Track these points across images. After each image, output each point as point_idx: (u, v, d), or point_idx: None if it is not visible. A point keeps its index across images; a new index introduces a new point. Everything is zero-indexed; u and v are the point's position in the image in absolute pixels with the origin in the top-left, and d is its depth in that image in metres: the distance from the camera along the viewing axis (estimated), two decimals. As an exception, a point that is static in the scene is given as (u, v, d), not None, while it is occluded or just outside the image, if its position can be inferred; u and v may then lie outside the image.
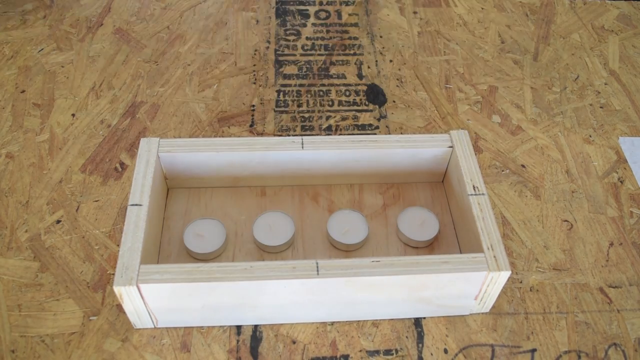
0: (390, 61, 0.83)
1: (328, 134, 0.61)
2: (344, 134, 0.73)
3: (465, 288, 0.54)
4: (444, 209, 0.65)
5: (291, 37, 0.86)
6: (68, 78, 0.78)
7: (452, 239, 0.63)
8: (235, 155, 0.61)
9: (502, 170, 0.71)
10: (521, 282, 0.61)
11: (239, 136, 0.72)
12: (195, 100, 0.76)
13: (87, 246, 0.62)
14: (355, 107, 0.77)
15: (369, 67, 0.82)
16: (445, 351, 0.56)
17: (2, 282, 0.59)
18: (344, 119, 0.75)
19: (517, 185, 0.69)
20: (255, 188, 0.66)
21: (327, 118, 0.75)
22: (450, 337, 0.57)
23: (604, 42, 0.88)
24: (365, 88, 0.79)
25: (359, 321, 0.57)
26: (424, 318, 0.58)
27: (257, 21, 0.88)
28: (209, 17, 0.88)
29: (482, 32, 0.88)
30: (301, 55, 0.83)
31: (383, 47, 0.85)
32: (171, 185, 0.65)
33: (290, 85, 0.79)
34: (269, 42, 0.85)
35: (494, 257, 0.53)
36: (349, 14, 0.90)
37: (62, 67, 0.80)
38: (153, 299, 0.52)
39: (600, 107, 0.79)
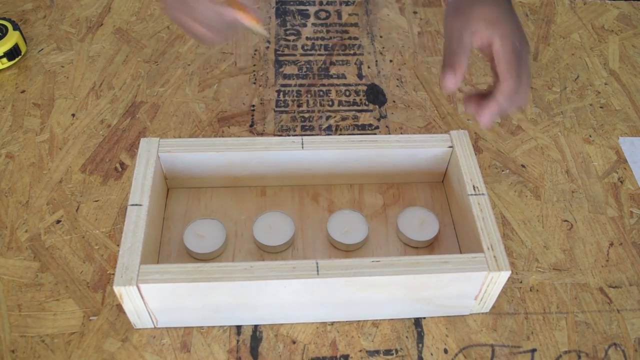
0: (390, 61, 0.83)
1: (328, 134, 0.61)
2: (344, 134, 0.73)
3: (465, 288, 0.54)
4: (444, 209, 0.65)
5: (291, 37, 0.86)
6: (68, 78, 0.78)
7: (452, 239, 0.63)
8: (235, 155, 0.61)
9: (502, 170, 0.71)
10: (521, 282, 0.61)
11: (239, 136, 0.72)
12: (195, 100, 0.76)
13: (87, 246, 0.62)
14: (355, 107, 0.77)
15: (369, 67, 0.82)
16: (445, 351, 0.56)
17: (2, 282, 0.59)
18: (344, 119, 0.75)
19: (517, 185, 0.69)
20: (255, 188, 0.66)
21: (327, 118, 0.75)
22: (450, 337, 0.57)
23: (604, 42, 0.88)
24: (365, 88, 0.79)
25: (359, 321, 0.57)
26: (424, 318, 0.58)
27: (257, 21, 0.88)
28: (209, 17, 0.88)
29: (482, 32, 0.88)
30: (301, 55, 0.83)
31: (383, 47, 0.85)
32: (171, 185, 0.65)
33: (290, 85, 0.79)
34: (269, 42, 0.85)
35: (494, 257, 0.53)
36: (349, 14, 0.90)
37: (62, 67, 0.80)
38: (153, 299, 0.52)
39: (600, 107, 0.79)
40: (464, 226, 0.60)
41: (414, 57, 0.84)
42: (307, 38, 0.86)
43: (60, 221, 0.63)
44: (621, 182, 0.70)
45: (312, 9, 0.91)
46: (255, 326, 0.57)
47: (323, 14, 0.90)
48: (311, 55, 0.84)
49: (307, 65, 0.82)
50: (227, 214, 0.64)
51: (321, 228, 0.63)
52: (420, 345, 0.56)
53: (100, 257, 0.61)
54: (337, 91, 0.79)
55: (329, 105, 0.77)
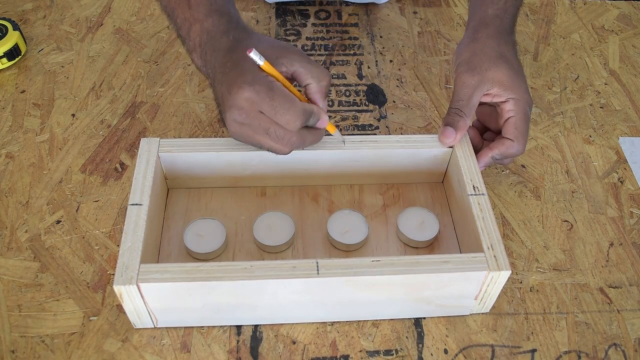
0: (390, 61, 0.83)
1: (328, 134, 0.61)
2: (344, 134, 0.73)
3: (466, 288, 0.54)
4: (444, 209, 0.65)
5: (291, 37, 0.86)
6: (68, 78, 0.78)
7: (452, 239, 0.63)
8: (235, 155, 0.61)
9: (502, 171, 0.71)
10: (521, 282, 0.61)
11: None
12: (195, 100, 0.76)
13: (87, 246, 0.62)
14: (355, 107, 0.77)
15: (369, 67, 0.82)
16: (445, 351, 0.56)
17: (2, 282, 0.59)
18: (344, 119, 0.75)
19: (517, 186, 0.69)
20: (255, 188, 0.66)
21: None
22: (450, 337, 0.57)
23: (604, 42, 0.88)
24: (365, 88, 0.79)
25: (359, 321, 0.57)
26: (424, 318, 0.58)
27: (257, 21, 0.88)
28: (209, 17, 0.88)
29: (482, 32, 0.88)
30: (301, 55, 0.83)
31: (383, 47, 0.85)
32: (171, 185, 0.65)
33: (290, 85, 0.79)
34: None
35: (494, 256, 0.53)
36: (349, 14, 0.90)
37: (62, 67, 0.80)
38: (153, 299, 0.52)
39: (600, 107, 0.79)
40: (464, 226, 0.60)
41: (414, 57, 0.84)
42: (307, 38, 0.86)
43: (60, 221, 0.63)
44: (621, 182, 0.70)
45: (312, 9, 0.91)
46: (255, 326, 0.57)
47: (323, 14, 0.90)
48: (311, 55, 0.84)
49: (307, 66, 0.82)
50: (227, 214, 0.64)
51: (321, 228, 0.63)
52: (420, 345, 0.56)
53: (100, 257, 0.61)
54: (337, 91, 0.79)
55: (329, 105, 0.77)
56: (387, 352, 0.55)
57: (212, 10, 0.59)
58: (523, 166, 0.71)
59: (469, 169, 0.60)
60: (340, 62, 0.83)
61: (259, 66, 0.54)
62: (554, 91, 0.80)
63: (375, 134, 0.74)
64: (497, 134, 0.65)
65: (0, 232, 0.62)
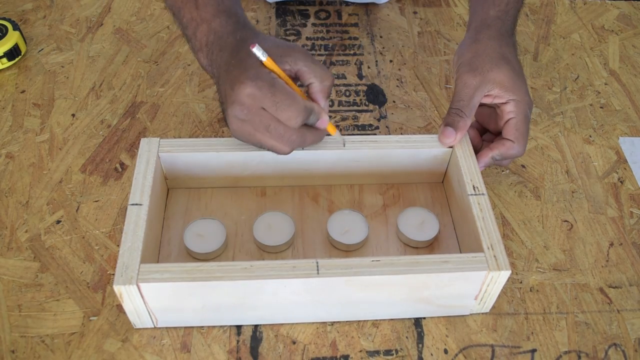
0: (390, 61, 0.83)
1: (328, 134, 0.61)
2: (344, 134, 0.73)
3: (466, 288, 0.54)
4: (444, 209, 0.65)
5: (291, 37, 0.86)
6: (68, 78, 0.78)
7: (452, 239, 0.63)
8: (235, 155, 0.61)
9: (502, 171, 0.71)
10: (521, 282, 0.61)
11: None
12: (195, 100, 0.76)
13: (87, 246, 0.62)
14: (355, 107, 0.77)
15: (369, 67, 0.82)
16: (445, 351, 0.56)
17: (2, 282, 0.59)
18: (344, 119, 0.75)
19: (517, 186, 0.69)
20: (255, 188, 0.66)
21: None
22: (450, 337, 0.57)
23: (604, 42, 0.88)
24: (365, 88, 0.79)
25: (359, 321, 0.57)
26: (424, 318, 0.58)
27: (257, 21, 0.88)
28: (209, 17, 0.88)
29: (482, 32, 0.88)
30: (301, 55, 0.83)
31: (383, 47, 0.85)
32: (171, 185, 0.65)
33: (290, 86, 0.79)
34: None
35: (494, 256, 0.53)
36: (349, 14, 0.90)
37: (62, 67, 0.80)
38: (153, 299, 0.52)
39: (600, 107, 0.79)
40: (464, 226, 0.60)
41: (414, 57, 0.84)
42: (307, 38, 0.86)
43: (60, 221, 0.63)
44: (621, 182, 0.70)
45: (312, 9, 0.91)
46: (255, 326, 0.57)
47: (323, 14, 0.90)
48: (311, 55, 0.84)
49: (307, 66, 0.82)
50: (227, 214, 0.64)
51: (321, 228, 0.63)
52: (420, 345, 0.56)
53: (100, 257, 0.61)
54: (337, 91, 0.79)
55: (329, 105, 0.77)
56: (387, 352, 0.55)
57: (220, 11, 0.59)
58: (523, 166, 0.71)
59: (469, 169, 0.60)
60: (340, 62, 0.83)
61: (261, 62, 0.54)
62: (554, 91, 0.80)
63: (375, 134, 0.74)
64: (496, 135, 0.65)
65: (0, 232, 0.62)
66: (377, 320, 0.57)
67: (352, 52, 0.84)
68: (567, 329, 0.58)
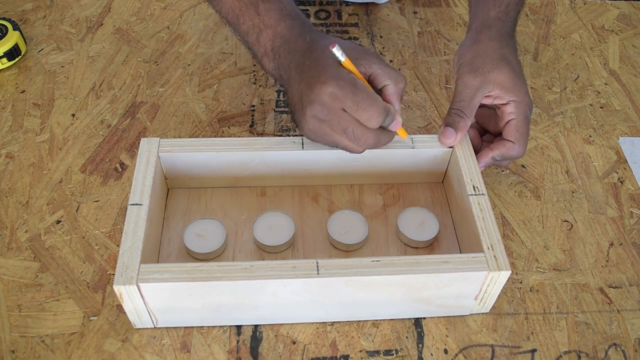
0: (391, 61, 0.83)
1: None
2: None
3: (465, 288, 0.54)
4: (444, 209, 0.65)
5: (291, 37, 0.86)
6: (68, 78, 0.78)
7: (452, 239, 0.63)
8: (235, 155, 0.61)
9: (502, 171, 0.71)
10: (521, 282, 0.61)
11: (239, 136, 0.72)
12: (195, 100, 0.76)
13: (87, 246, 0.62)
14: (355, 107, 0.77)
15: (369, 67, 0.82)
16: (445, 351, 0.56)
17: (2, 282, 0.59)
18: (344, 119, 0.75)
19: (517, 186, 0.69)
20: (255, 188, 0.66)
21: (327, 118, 0.75)
22: (450, 337, 0.57)
23: (604, 42, 0.88)
24: (365, 88, 0.79)
25: (359, 321, 0.57)
26: (424, 318, 0.58)
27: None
28: (209, 17, 0.88)
29: (482, 32, 0.88)
30: (301, 55, 0.83)
31: (383, 47, 0.85)
32: (171, 185, 0.65)
33: (290, 85, 0.79)
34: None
35: (494, 256, 0.53)
36: (349, 14, 0.90)
37: (62, 67, 0.80)
38: (153, 299, 0.52)
39: (600, 107, 0.79)
40: (464, 226, 0.60)
41: (414, 57, 0.84)
42: (307, 38, 0.86)
43: (60, 221, 0.63)
44: (621, 182, 0.70)
45: (312, 9, 0.91)
46: (255, 326, 0.57)
47: (323, 14, 0.90)
48: (311, 55, 0.84)
49: (307, 65, 0.82)
50: (227, 214, 0.64)
51: (321, 228, 0.63)
52: (420, 345, 0.56)
53: (100, 257, 0.61)
54: (337, 91, 0.79)
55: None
56: (387, 352, 0.55)
57: (284, 15, 0.59)
58: (523, 166, 0.71)
59: (469, 169, 0.60)
60: (340, 62, 0.83)
61: (340, 63, 0.54)
62: (554, 91, 0.80)
63: (375, 134, 0.74)
64: (496, 136, 0.65)
65: (0, 232, 0.62)
66: (377, 320, 0.57)
67: (352, 52, 0.84)
68: (567, 329, 0.58)
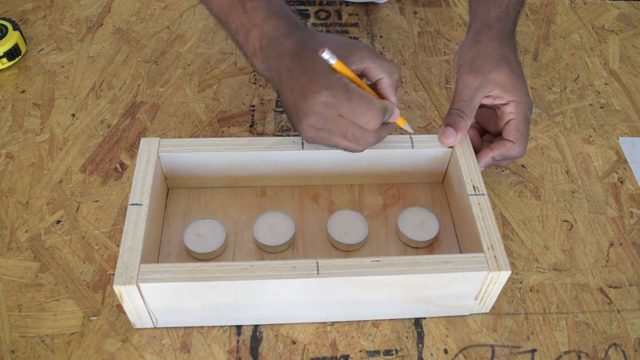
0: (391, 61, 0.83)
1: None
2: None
3: (465, 288, 0.54)
4: (444, 209, 0.65)
5: (291, 37, 0.86)
6: (68, 78, 0.78)
7: (452, 239, 0.63)
8: (235, 155, 0.61)
9: (502, 171, 0.71)
10: (521, 282, 0.61)
11: (239, 136, 0.72)
12: (195, 100, 0.76)
13: (87, 246, 0.62)
14: (355, 107, 0.77)
15: (369, 67, 0.82)
16: (445, 351, 0.56)
17: (2, 282, 0.59)
18: (344, 119, 0.75)
19: (517, 186, 0.69)
20: (255, 188, 0.66)
21: (327, 118, 0.75)
22: (450, 337, 0.57)
23: (604, 42, 0.88)
24: (365, 88, 0.79)
25: (359, 321, 0.57)
26: (424, 318, 0.58)
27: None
28: (209, 17, 0.88)
29: (482, 32, 0.88)
30: (301, 55, 0.83)
31: (383, 47, 0.85)
32: (171, 185, 0.65)
33: (290, 85, 0.79)
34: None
35: (494, 256, 0.53)
36: (349, 14, 0.90)
37: (62, 67, 0.80)
38: (153, 299, 0.52)
39: (600, 107, 0.79)
40: (464, 226, 0.60)
41: (414, 57, 0.84)
42: (307, 38, 0.86)
43: (60, 221, 0.63)
44: (621, 182, 0.70)
45: (312, 9, 0.91)
46: (255, 326, 0.57)
47: (323, 14, 0.90)
48: (311, 55, 0.84)
49: (307, 65, 0.82)
50: (227, 214, 0.64)
51: (321, 228, 0.63)
52: (420, 345, 0.56)
53: (100, 257, 0.61)
54: (337, 91, 0.79)
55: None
56: (387, 352, 0.55)
57: (271, 14, 0.58)
58: (523, 166, 0.71)
59: (469, 169, 0.60)
60: (340, 62, 0.83)
61: (331, 67, 0.53)
62: (554, 91, 0.80)
63: (375, 134, 0.74)
64: (496, 136, 0.65)
65: (0, 232, 0.62)
66: (377, 320, 0.57)
67: (352, 52, 0.84)
68: (567, 329, 0.58)
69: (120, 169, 0.68)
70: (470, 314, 0.58)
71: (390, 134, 0.61)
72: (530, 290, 0.60)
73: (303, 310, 0.55)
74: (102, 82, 0.78)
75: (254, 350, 0.55)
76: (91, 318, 0.56)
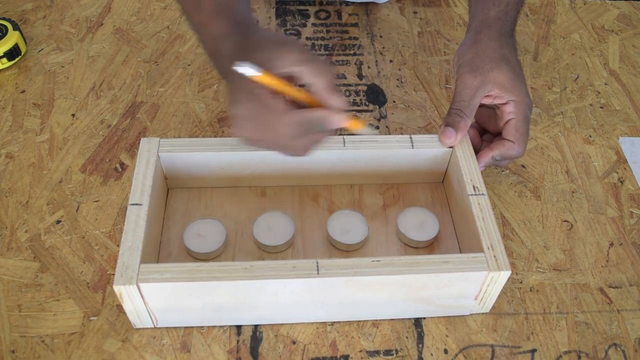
0: (390, 61, 0.83)
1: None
2: (344, 134, 0.73)
3: (465, 288, 0.54)
4: (444, 209, 0.65)
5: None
6: (68, 78, 0.78)
7: (452, 239, 0.63)
8: (235, 155, 0.61)
9: (502, 171, 0.71)
10: (521, 282, 0.61)
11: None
12: (195, 100, 0.76)
13: (87, 246, 0.62)
14: (355, 107, 0.77)
15: (369, 67, 0.82)
16: (445, 351, 0.56)
17: (2, 282, 0.59)
18: (344, 119, 0.75)
19: (517, 186, 0.69)
20: (255, 188, 0.66)
21: (327, 118, 0.75)
22: (450, 337, 0.57)
23: (604, 42, 0.88)
24: (365, 88, 0.79)
25: (359, 321, 0.57)
26: (424, 318, 0.58)
27: (257, 21, 0.88)
28: (209, 17, 0.88)
29: (482, 32, 0.88)
30: (301, 55, 0.83)
31: (383, 47, 0.85)
32: (171, 185, 0.65)
33: (290, 85, 0.79)
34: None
35: (494, 256, 0.53)
36: (349, 14, 0.90)
37: (62, 67, 0.80)
38: (153, 299, 0.52)
39: (600, 107, 0.79)
40: (464, 226, 0.60)
41: (414, 57, 0.84)
42: (307, 38, 0.86)
43: (60, 221, 0.63)
44: (621, 182, 0.70)
45: (312, 9, 0.91)
46: (255, 326, 0.57)
47: (323, 14, 0.90)
48: (311, 55, 0.84)
49: (307, 65, 0.82)
50: (227, 214, 0.64)
51: (321, 228, 0.63)
52: (420, 345, 0.56)
53: (100, 257, 0.61)
54: (337, 91, 0.79)
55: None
56: (387, 352, 0.55)
57: (218, 12, 0.56)
58: (523, 166, 0.71)
59: (469, 169, 0.60)
60: (340, 62, 0.83)
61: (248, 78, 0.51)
62: (554, 91, 0.80)
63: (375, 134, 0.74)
64: (496, 136, 0.65)
65: (0, 232, 0.62)
66: (377, 320, 0.57)
67: (352, 52, 0.84)
68: (567, 329, 0.58)
69: (120, 169, 0.68)
70: (470, 314, 0.58)
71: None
72: (530, 290, 0.60)
73: (303, 310, 0.55)
74: (102, 82, 0.78)
75: (254, 350, 0.55)
76: (91, 318, 0.56)
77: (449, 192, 0.65)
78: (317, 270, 0.51)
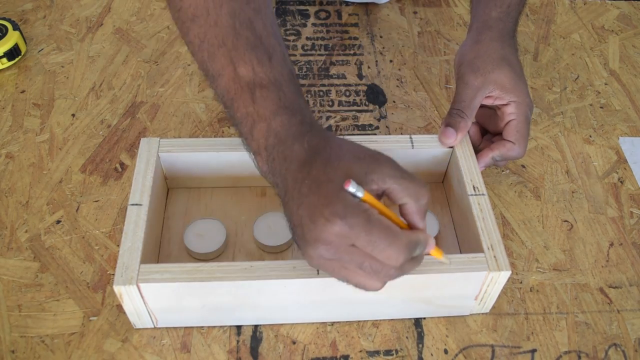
0: (390, 61, 0.83)
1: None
2: (344, 134, 0.73)
3: (466, 288, 0.54)
4: (444, 209, 0.65)
5: (291, 37, 0.86)
6: (68, 78, 0.78)
7: (452, 239, 0.63)
8: (235, 155, 0.61)
9: (502, 171, 0.71)
10: (521, 282, 0.61)
11: (239, 136, 0.72)
12: (195, 100, 0.76)
13: (87, 246, 0.62)
14: (355, 107, 0.77)
15: (369, 67, 0.82)
16: (446, 351, 0.56)
17: (2, 282, 0.59)
18: (344, 119, 0.75)
19: (517, 186, 0.69)
20: (255, 188, 0.66)
21: (327, 118, 0.75)
22: (450, 337, 0.57)
23: (604, 42, 0.88)
24: (365, 88, 0.79)
25: (359, 321, 0.57)
26: (424, 318, 0.58)
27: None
28: (209, 17, 0.88)
29: (482, 32, 0.88)
30: (301, 55, 0.83)
31: (383, 47, 0.85)
32: (171, 185, 0.65)
33: (290, 86, 0.79)
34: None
35: (494, 257, 0.53)
36: (349, 14, 0.90)
37: (62, 67, 0.80)
38: (153, 299, 0.52)
39: (600, 107, 0.79)
40: (464, 226, 0.60)
41: (414, 57, 0.84)
42: (307, 38, 0.86)
43: (60, 221, 0.63)
44: (621, 182, 0.70)
45: (312, 9, 0.91)
46: (255, 326, 0.57)
47: (323, 14, 0.90)
48: (311, 55, 0.84)
49: (307, 66, 0.82)
50: (227, 214, 0.63)
51: (321, 228, 0.63)
52: (420, 345, 0.56)
53: (100, 257, 0.61)
54: (337, 91, 0.79)
55: (329, 105, 0.77)
56: (387, 352, 0.55)
57: (281, 107, 0.48)
58: (523, 166, 0.71)
59: (469, 169, 0.60)
60: (340, 62, 0.83)
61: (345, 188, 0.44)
62: (554, 91, 0.80)
63: (375, 134, 0.74)
64: (496, 136, 0.65)
65: (0, 232, 0.62)
66: (377, 320, 0.57)
67: (352, 52, 0.84)
68: (567, 329, 0.58)
69: (120, 169, 0.68)
70: (470, 314, 0.58)
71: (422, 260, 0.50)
72: (530, 290, 0.60)
73: (303, 310, 0.55)
74: (102, 82, 0.78)
75: (254, 350, 0.55)
76: (91, 318, 0.56)
77: (449, 192, 0.65)
78: (318, 270, 0.51)
